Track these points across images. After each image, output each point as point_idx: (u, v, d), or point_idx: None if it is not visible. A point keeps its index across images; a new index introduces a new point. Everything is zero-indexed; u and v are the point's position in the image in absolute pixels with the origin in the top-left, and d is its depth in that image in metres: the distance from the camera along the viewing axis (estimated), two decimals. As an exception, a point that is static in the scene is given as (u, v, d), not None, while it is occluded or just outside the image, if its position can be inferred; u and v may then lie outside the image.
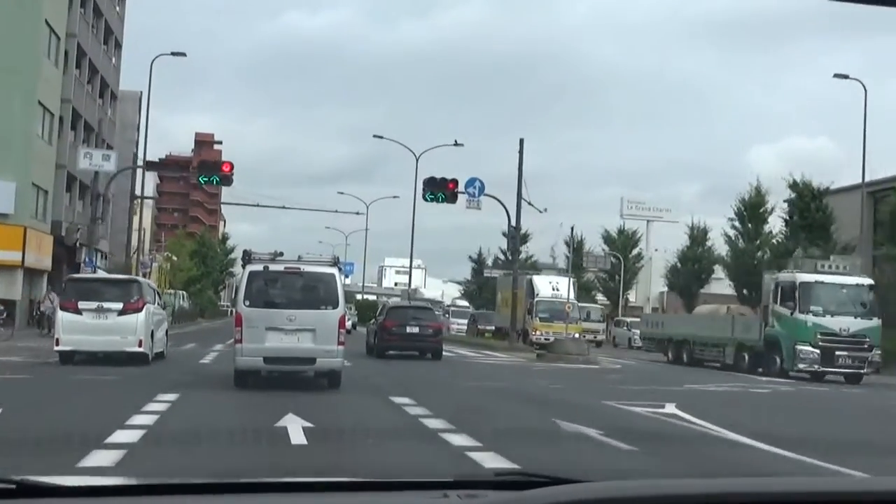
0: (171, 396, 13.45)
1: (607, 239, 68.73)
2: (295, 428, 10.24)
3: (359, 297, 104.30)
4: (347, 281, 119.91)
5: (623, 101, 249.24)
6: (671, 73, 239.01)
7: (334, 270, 16.15)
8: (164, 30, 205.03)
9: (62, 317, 20.49)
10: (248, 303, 15.43)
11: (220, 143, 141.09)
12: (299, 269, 15.87)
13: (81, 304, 20.36)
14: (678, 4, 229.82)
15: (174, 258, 70.20)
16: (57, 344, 20.35)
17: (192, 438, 9.84)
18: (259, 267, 15.65)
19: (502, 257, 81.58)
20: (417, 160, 56.25)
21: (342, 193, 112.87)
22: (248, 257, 15.98)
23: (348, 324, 22.63)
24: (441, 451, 9.47)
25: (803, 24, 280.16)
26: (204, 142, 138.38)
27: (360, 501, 2.52)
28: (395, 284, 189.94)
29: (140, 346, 20.25)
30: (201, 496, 2.39)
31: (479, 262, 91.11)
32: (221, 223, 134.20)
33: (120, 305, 20.40)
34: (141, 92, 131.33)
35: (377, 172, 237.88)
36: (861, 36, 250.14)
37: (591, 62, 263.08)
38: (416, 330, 28.62)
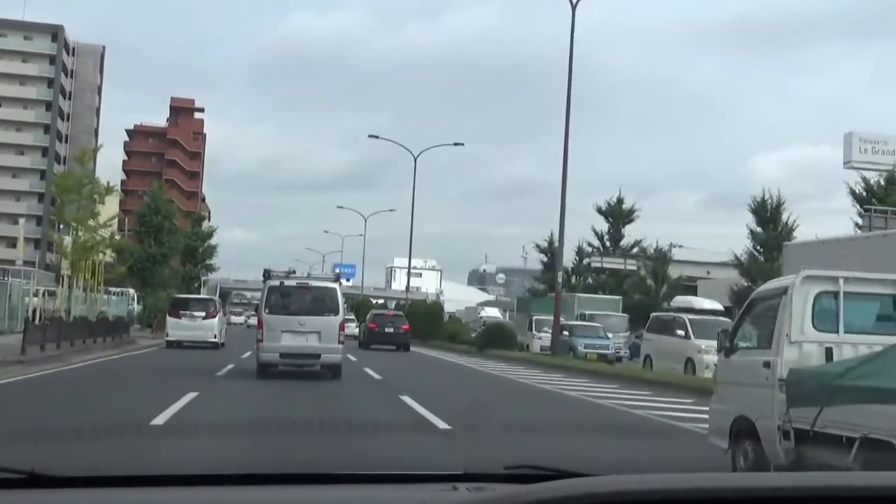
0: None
1: (864, 194, 39.54)
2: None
3: (378, 301, 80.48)
4: (349, 283, 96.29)
5: (629, 109, 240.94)
6: (679, 80, 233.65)
7: (336, 285, 19.81)
8: (167, 33, 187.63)
9: (170, 320, 32.01)
10: (267, 310, 19.02)
11: (203, 110, 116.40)
12: (308, 283, 19.85)
13: (181, 312, 31.85)
14: (689, 12, 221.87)
15: (61, 199, 41.25)
16: (167, 336, 31.74)
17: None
18: (276, 282, 19.32)
19: (596, 244, 57.07)
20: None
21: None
22: (267, 275, 19.52)
23: (355, 330, 41.96)
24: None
25: (812, 30, 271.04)
26: (182, 108, 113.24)
27: (370, 494, 2.57)
28: (406, 288, 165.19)
29: (215, 338, 31.61)
30: (209, 487, 2.48)
31: (550, 253, 66.29)
32: (206, 214, 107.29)
33: (204, 313, 32.00)
34: (103, 46, 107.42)
35: (380, 177, 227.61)
36: (871, 43, 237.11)
37: (599, 69, 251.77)
38: (391, 330, 38.84)
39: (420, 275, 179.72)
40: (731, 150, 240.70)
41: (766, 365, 8.32)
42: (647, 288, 50.78)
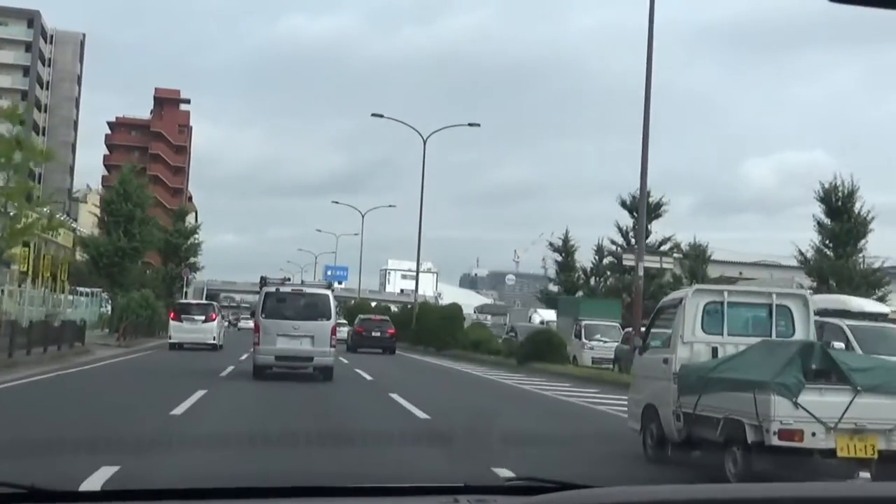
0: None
1: None
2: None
3: (375, 303, 75.75)
4: (342, 286, 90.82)
5: (621, 112, 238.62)
6: (672, 84, 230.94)
7: (328, 292, 20.97)
8: (160, 36, 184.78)
9: (172, 323, 33.81)
10: (264, 315, 20.13)
11: (188, 101, 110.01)
12: (302, 290, 21.23)
13: (183, 316, 33.88)
14: (683, 17, 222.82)
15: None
16: (170, 338, 33.41)
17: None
18: (273, 289, 20.52)
19: (620, 241, 51.39)
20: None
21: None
22: (263, 282, 20.97)
23: (343, 334, 38.94)
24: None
25: (805, 36, 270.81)
26: (167, 99, 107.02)
27: None
28: (401, 291, 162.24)
29: (214, 340, 33.90)
30: (209, 501, 2.46)
31: (566, 252, 60.68)
32: (194, 213, 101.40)
33: (203, 317, 34.17)
34: (83, 34, 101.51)
35: (373, 181, 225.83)
36: (863, 49, 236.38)
37: (593, 73, 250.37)
38: (378, 334, 39.98)
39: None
40: (723, 154, 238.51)
41: (666, 361, 10.16)
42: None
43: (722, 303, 10.12)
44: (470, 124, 49.42)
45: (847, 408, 8.05)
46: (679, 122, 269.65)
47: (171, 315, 34.60)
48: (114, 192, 41.93)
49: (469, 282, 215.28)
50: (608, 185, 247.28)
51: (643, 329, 12.23)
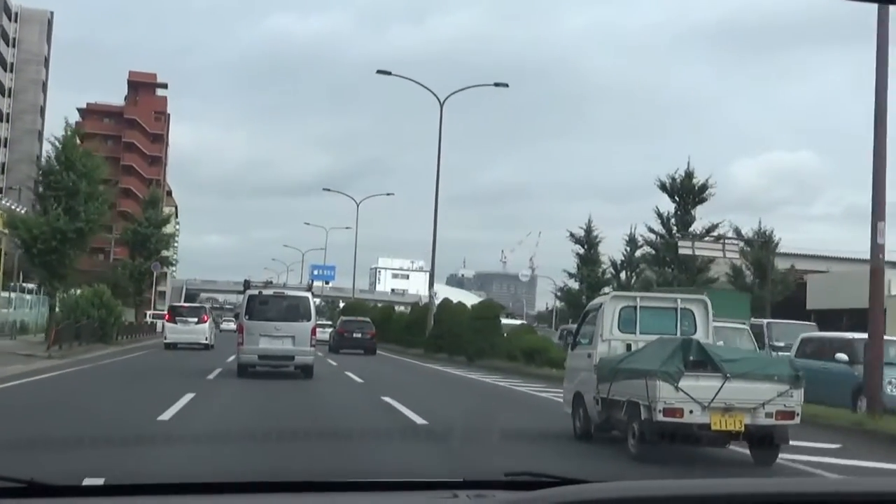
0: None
1: None
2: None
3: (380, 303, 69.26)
4: (329, 286, 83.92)
5: (610, 114, 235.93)
6: (661, 86, 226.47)
7: (308, 294, 22.81)
8: (147, 37, 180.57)
9: (167, 325, 36.82)
10: (247, 317, 21.24)
11: (165, 86, 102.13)
12: (284, 293, 22.80)
13: (177, 318, 36.36)
14: (674, 19, 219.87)
15: None
16: (165, 338, 36.13)
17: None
18: (255, 292, 21.88)
19: (659, 229, 44.32)
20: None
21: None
22: (247, 285, 22.72)
23: (326, 335, 42.35)
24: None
25: (796, 36, 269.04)
26: (142, 84, 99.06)
27: (371, 501, 2.56)
28: (392, 291, 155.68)
29: (207, 340, 36.21)
30: (210, 496, 2.44)
31: (589, 244, 53.90)
32: (172, 210, 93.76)
33: (196, 319, 36.61)
34: (51, 13, 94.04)
35: (362, 182, 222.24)
36: (854, 50, 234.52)
37: (582, 75, 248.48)
38: (359, 335, 41.52)
39: (407, 276, 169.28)
40: (712, 155, 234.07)
41: (589, 356, 12.06)
42: (744, 284, 38.25)
43: (635, 307, 12.17)
44: (496, 84, 42.48)
45: (718, 391, 9.85)
46: (671, 124, 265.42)
47: (167, 317, 37.87)
48: (53, 161, 33.56)
49: (456, 282, 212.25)
50: (595, 186, 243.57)
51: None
